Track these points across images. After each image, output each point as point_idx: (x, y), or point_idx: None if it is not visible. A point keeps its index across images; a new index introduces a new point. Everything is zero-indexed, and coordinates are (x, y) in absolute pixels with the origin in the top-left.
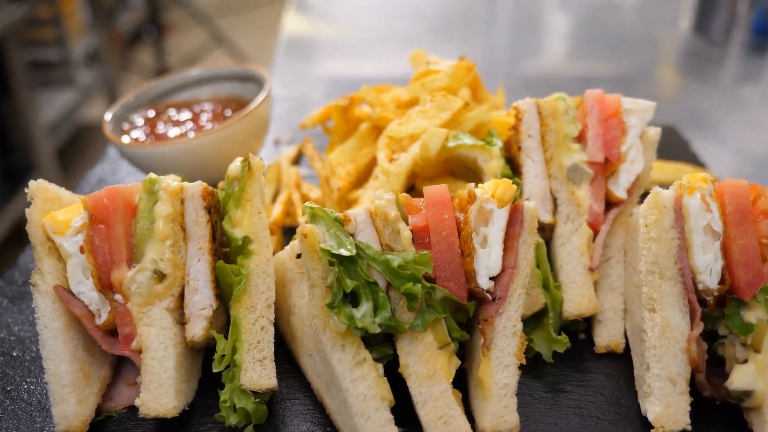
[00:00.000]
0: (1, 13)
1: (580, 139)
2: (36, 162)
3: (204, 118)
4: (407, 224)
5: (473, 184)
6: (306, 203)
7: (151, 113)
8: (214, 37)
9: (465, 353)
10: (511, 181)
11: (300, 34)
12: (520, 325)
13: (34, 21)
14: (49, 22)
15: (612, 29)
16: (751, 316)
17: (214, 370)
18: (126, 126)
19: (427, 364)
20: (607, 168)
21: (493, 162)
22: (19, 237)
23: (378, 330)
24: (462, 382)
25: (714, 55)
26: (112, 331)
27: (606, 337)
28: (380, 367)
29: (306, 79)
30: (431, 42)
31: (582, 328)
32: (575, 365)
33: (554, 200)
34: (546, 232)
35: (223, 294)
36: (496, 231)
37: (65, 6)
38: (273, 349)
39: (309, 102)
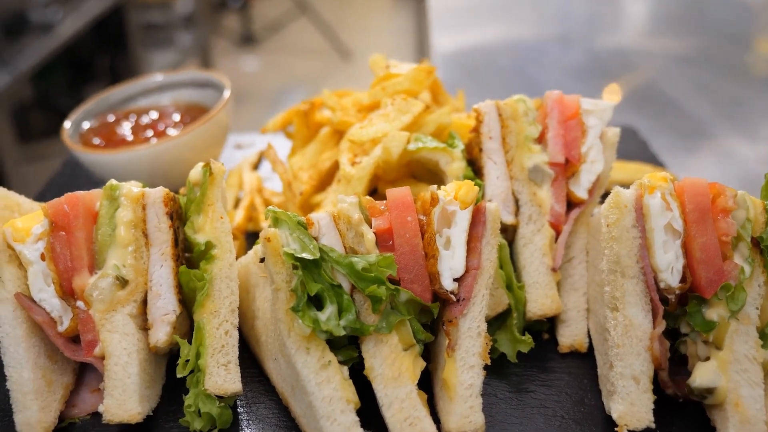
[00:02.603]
0: None
1: (541, 140)
2: None
3: (164, 124)
4: (370, 227)
5: (435, 187)
6: (269, 207)
7: (112, 119)
8: (298, 4)
9: (430, 355)
10: (473, 183)
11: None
12: (484, 326)
13: None
14: None
15: None
16: (713, 313)
17: (179, 375)
18: (86, 132)
19: (392, 366)
20: (567, 169)
21: (454, 164)
22: None
23: (343, 333)
24: (427, 384)
25: None
26: (74, 338)
27: (569, 336)
28: (345, 369)
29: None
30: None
31: (545, 328)
32: (539, 365)
33: (516, 201)
34: (509, 233)
35: (187, 299)
36: (459, 232)
37: None
38: (237, 353)
39: None
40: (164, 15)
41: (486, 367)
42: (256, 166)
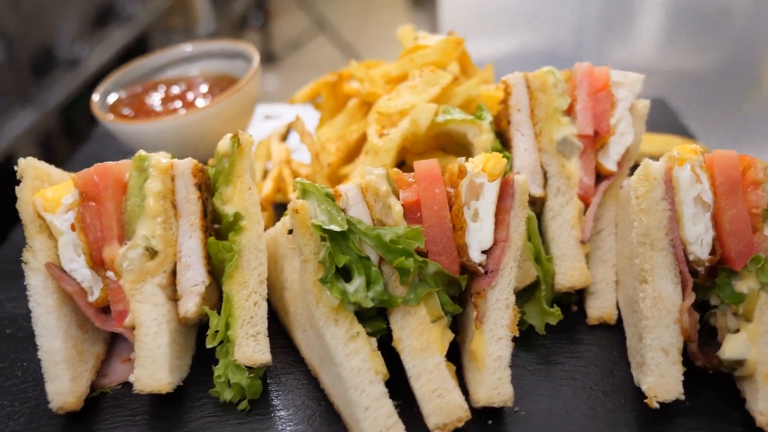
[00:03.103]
0: (152, 3)
1: (570, 112)
2: None
3: (193, 94)
4: (398, 199)
5: (464, 159)
6: (297, 179)
7: (141, 90)
8: (317, 22)
9: (458, 327)
10: (501, 155)
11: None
12: (512, 298)
13: (170, 9)
14: (178, 10)
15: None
16: (742, 285)
17: (208, 346)
18: (115, 103)
19: (420, 337)
20: (596, 141)
21: (483, 136)
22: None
23: (371, 304)
24: (455, 356)
25: None
26: (104, 308)
27: (598, 308)
28: (374, 341)
29: None
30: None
31: (574, 300)
32: (568, 337)
33: (544, 174)
34: (537, 205)
35: (216, 270)
36: (487, 205)
37: None
38: (266, 324)
39: None
40: (187, 37)
41: (514, 339)
42: (284, 138)
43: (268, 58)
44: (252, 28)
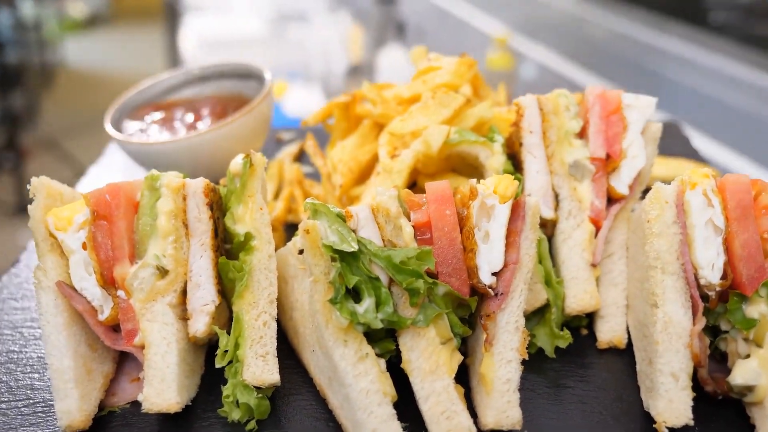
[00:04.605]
0: None
1: (582, 135)
2: None
3: (206, 114)
4: (409, 220)
5: (475, 180)
6: (308, 199)
7: (153, 110)
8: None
9: (467, 349)
10: (513, 177)
11: None
12: (522, 321)
13: None
14: None
15: None
16: (754, 311)
17: (217, 366)
18: (129, 122)
19: (429, 359)
20: (608, 164)
21: (494, 158)
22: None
23: (380, 325)
24: (464, 378)
25: None
26: (114, 327)
27: (608, 332)
28: (383, 362)
29: None
30: None
31: (584, 324)
32: (577, 361)
33: (556, 196)
34: (548, 228)
35: (226, 290)
36: (498, 227)
37: None
38: (275, 344)
39: None
40: None
41: (524, 362)
42: (296, 158)
43: (22, 209)
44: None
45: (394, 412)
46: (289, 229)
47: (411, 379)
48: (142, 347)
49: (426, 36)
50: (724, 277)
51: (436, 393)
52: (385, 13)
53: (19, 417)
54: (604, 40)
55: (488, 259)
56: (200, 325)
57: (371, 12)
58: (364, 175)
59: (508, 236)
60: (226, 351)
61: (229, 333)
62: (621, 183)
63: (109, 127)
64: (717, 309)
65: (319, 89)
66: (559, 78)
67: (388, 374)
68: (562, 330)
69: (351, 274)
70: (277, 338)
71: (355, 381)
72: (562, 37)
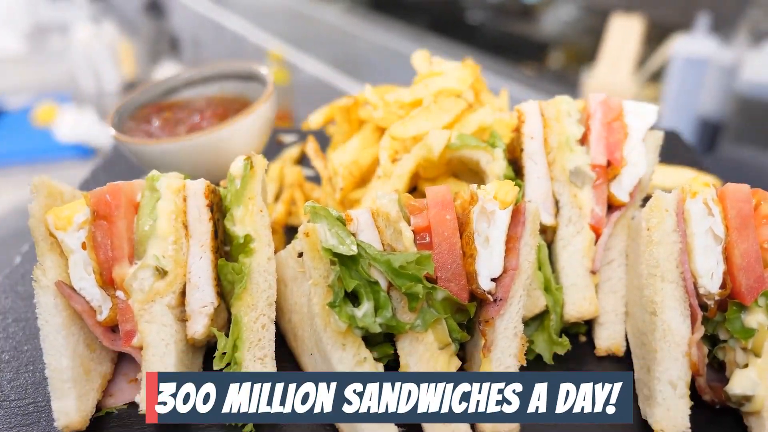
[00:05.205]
0: None
1: (583, 141)
2: None
3: (208, 116)
4: (409, 224)
5: (476, 186)
6: (308, 202)
7: (156, 110)
8: None
9: (465, 354)
10: (514, 183)
11: None
12: (521, 327)
13: None
14: None
15: None
16: (752, 320)
17: (215, 368)
18: (130, 123)
19: (427, 364)
20: (609, 171)
21: (495, 163)
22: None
23: (379, 329)
24: None
25: None
26: (113, 328)
27: (607, 339)
28: (381, 366)
29: None
30: None
31: (583, 331)
32: (576, 368)
33: (556, 203)
34: (548, 234)
35: (225, 292)
36: (497, 232)
37: None
38: (274, 347)
39: None
40: None
41: (521, 368)
42: (297, 161)
43: None
44: None
45: None
46: (289, 232)
47: None
48: (141, 348)
49: (202, 50)
50: (723, 286)
51: None
52: (155, 27)
53: (18, 416)
54: (369, 51)
55: (488, 265)
56: (199, 326)
57: (140, 23)
58: (364, 178)
59: (507, 242)
60: (224, 353)
61: (227, 335)
62: (621, 190)
63: (111, 128)
64: (716, 318)
65: (93, 111)
66: (331, 89)
67: None
68: (560, 337)
69: (350, 277)
70: (276, 341)
71: None
72: (331, 48)
